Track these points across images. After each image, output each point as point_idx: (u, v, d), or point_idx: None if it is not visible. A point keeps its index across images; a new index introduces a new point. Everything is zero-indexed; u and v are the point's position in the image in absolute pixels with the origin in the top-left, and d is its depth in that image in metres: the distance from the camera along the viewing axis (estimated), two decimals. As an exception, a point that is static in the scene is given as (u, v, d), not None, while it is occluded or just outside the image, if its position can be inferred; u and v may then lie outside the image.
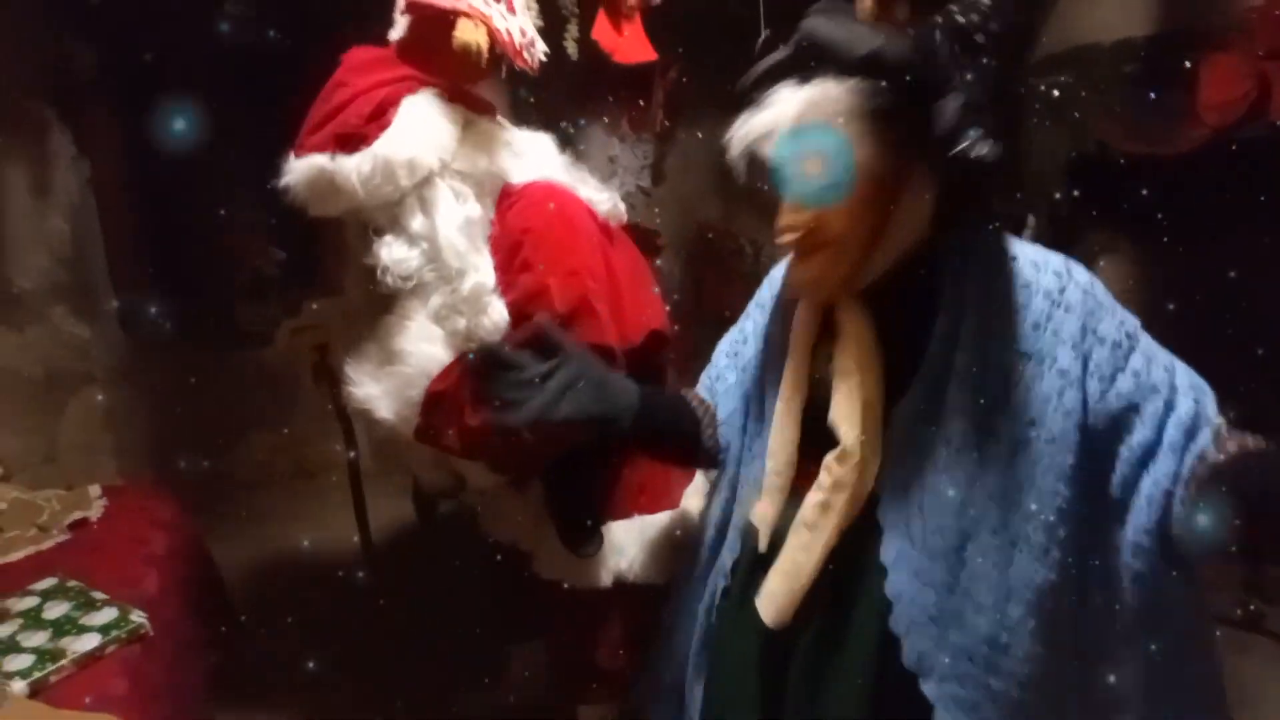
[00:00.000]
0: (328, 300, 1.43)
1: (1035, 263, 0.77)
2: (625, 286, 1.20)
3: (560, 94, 2.12)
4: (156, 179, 2.26)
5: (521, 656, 1.67)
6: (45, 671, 1.02)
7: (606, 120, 2.69)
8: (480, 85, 1.23)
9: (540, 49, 1.22)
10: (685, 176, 2.82)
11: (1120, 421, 0.73)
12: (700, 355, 1.08)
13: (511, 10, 1.17)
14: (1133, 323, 0.76)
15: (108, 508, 1.52)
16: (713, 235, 2.88)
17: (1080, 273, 0.77)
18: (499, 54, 1.15)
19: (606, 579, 1.21)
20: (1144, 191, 1.67)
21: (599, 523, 1.20)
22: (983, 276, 0.77)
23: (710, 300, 2.78)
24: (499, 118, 1.23)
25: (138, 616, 1.13)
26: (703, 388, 1.01)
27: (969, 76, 0.71)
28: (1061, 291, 0.75)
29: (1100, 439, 0.74)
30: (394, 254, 1.08)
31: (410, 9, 1.13)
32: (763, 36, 0.79)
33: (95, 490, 1.59)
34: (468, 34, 1.09)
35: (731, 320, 1.05)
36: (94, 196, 2.22)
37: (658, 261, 2.18)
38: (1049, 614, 0.73)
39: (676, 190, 2.84)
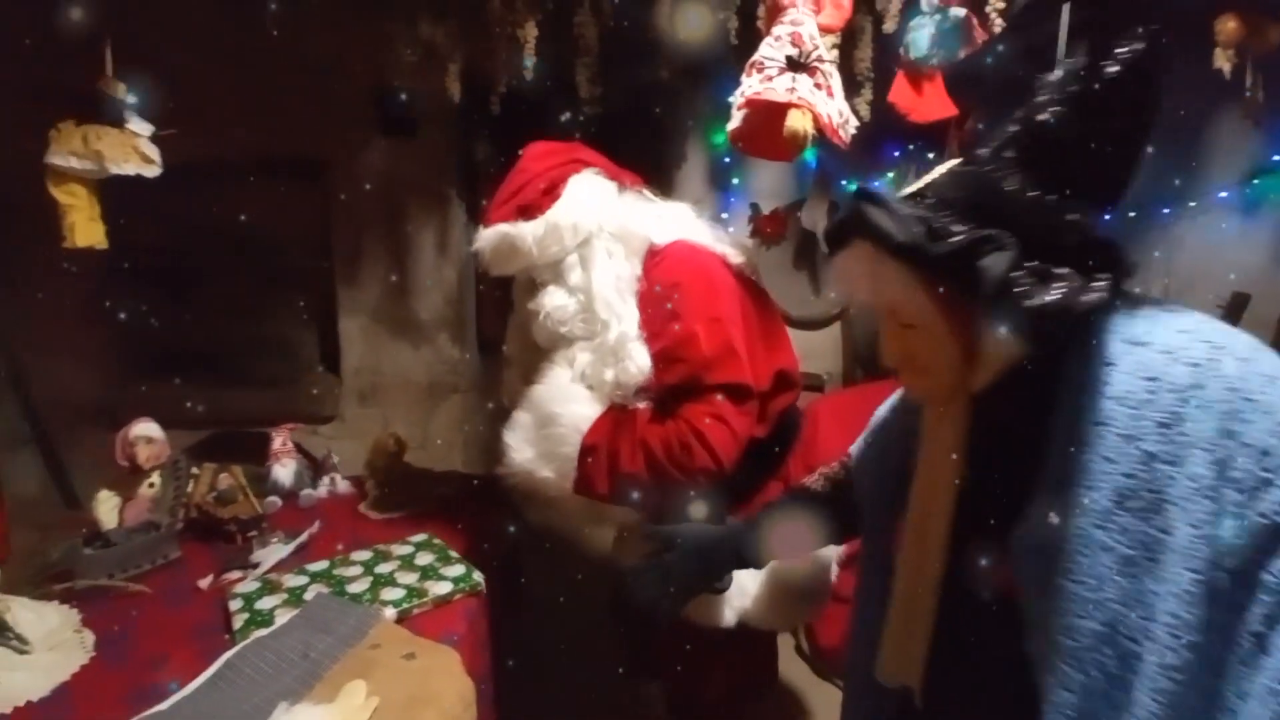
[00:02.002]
0: None
1: (1169, 350, 0.66)
2: (758, 331, 1.25)
3: (852, 153, 2.10)
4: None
5: (645, 695, 1.66)
6: (411, 605, 1.25)
7: (891, 176, 2.59)
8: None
9: (853, 125, 1.30)
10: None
11: (1262, 549, 0.59)
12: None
13: (830, 95, 1.26)
14: None
15: (462, 488, 1.86)
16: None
17: (1230, 365, 0.63)
18: (817, 133, 1.27)
19: (730, 618, 1.24)
20: None
21: None
22: (1100, 371, 0.68)
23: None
24: (644, 190, 1.34)
25: (478, 576, 1.35)
26: (856, 444, 1.04)
27: (1020, 223, 0.68)
28: (1195, 386, 0.63)
29: (1238, 566, 0.60)
30: (555, 301, 1.24)
31: (749, 105, 1.26)
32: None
33: (455, 474, 1.97)
34: (796, 121, 1.24)
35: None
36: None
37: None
38: None
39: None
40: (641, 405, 1.23)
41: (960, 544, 0.77)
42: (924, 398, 0.82)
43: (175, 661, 1.12)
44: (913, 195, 0.76)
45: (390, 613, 1.22)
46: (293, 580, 1.32)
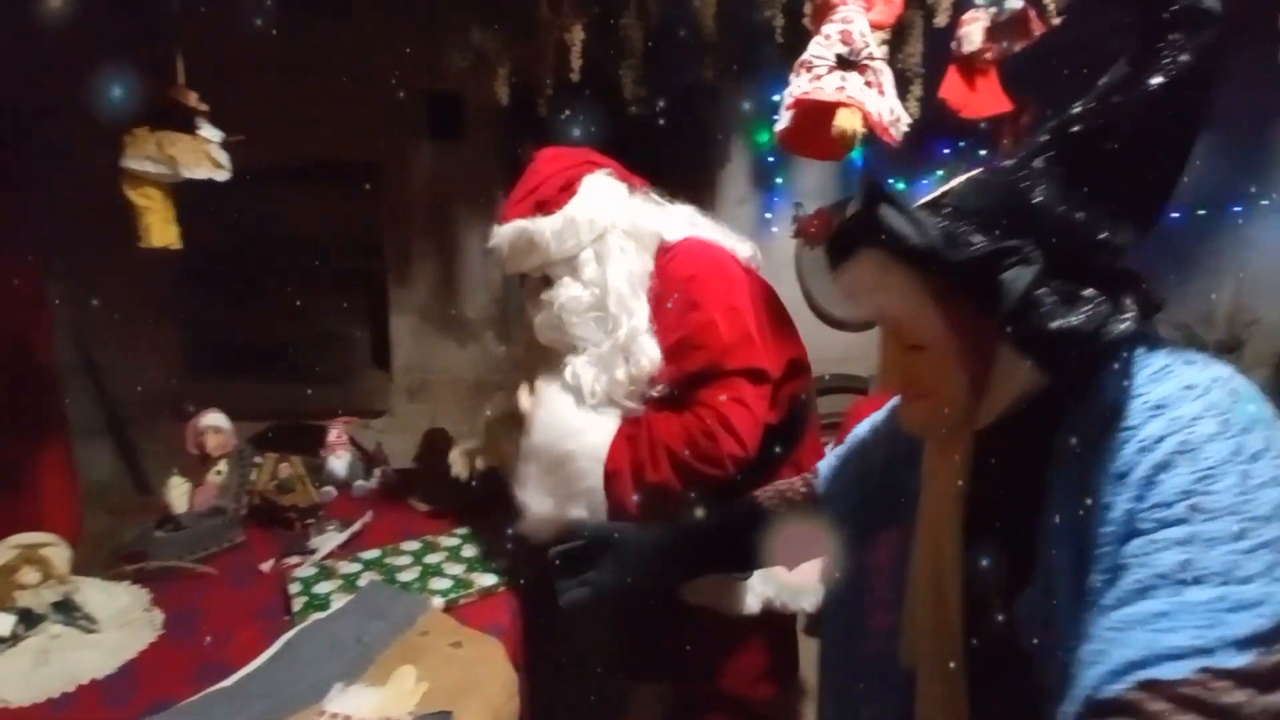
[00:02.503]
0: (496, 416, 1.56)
1: (1160, 405, 0.59)
2: (768, 322, 1.28)
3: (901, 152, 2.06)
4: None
5: (642, 698, 1.63)
6: (458, 595, 1.28)
7: (942, 174, 2.53)
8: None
9: (905, 123, 1.30)
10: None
11: (1107, 585, 0.57)
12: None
13: (881, 92, 1.28)
14: (1226, 503, 0.53)
15: (505, 483, 1.89)
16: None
17: (1209, 426, 0.56)
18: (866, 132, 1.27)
19: (754, 606, 1.26)
20: None
21: None
22: (1096, 420, 0.62)
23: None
24: (651, 193, 1.35)
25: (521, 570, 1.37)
26: (826, 462, 0.99)
27: (1048, 239, 0.61)
28: (1159, 440, 0.57)
29: None
30: (570, 293, 1.26)
31: (797, 104, 1.27)
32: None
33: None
34: (846, 121, 1.24)
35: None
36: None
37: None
38: None
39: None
40: (651, 408, 1.24)
41: (970, 594, 0.71)
42: (924, 428, 0.75)
43: (239, 640, 1.17)
44: (930, 204, 0.70)
45: (438, 602, 1.25)
46: (347, 567, 1.37)
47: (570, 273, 1.27)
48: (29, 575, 1.20)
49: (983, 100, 1.73)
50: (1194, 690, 0.50)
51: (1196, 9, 0.59)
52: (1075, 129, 0.63)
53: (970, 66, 1.69)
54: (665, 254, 1.27)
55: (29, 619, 1.15)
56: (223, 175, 1.48)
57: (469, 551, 1.44)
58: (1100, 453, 0.61)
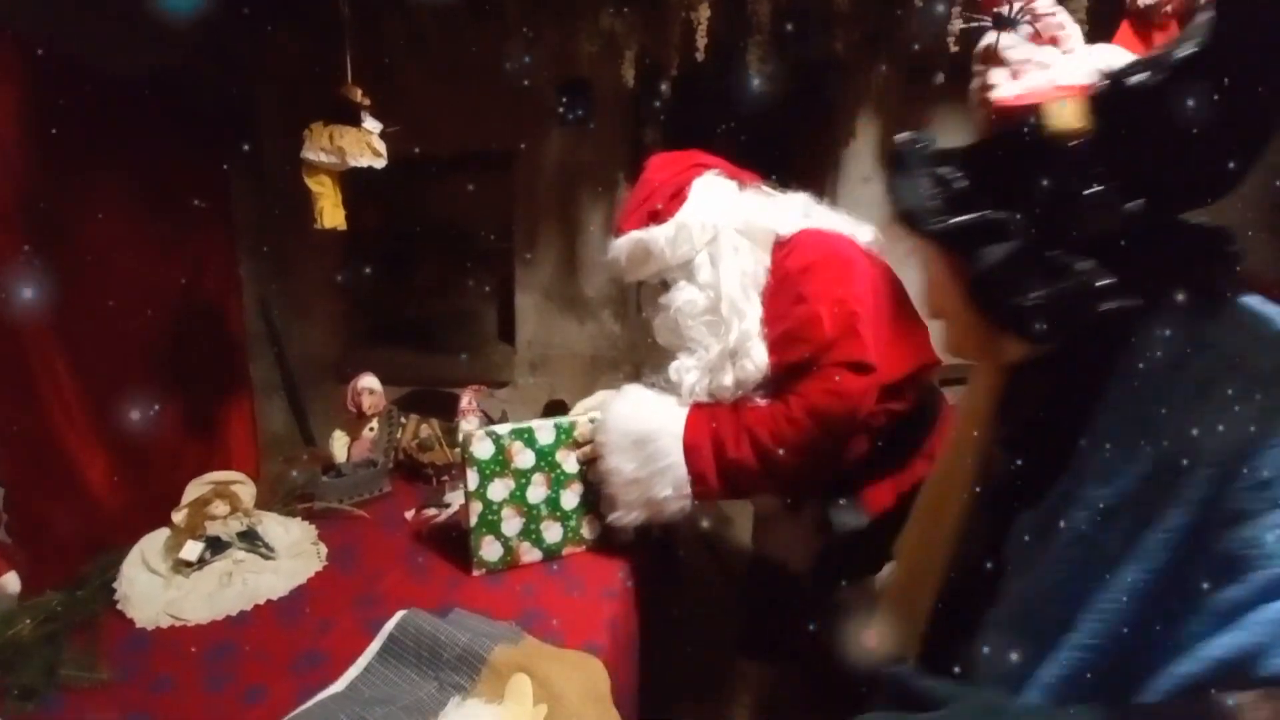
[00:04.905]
0: None
1: (1234, 355, 0.54)
2: (889, 309, 1.24)
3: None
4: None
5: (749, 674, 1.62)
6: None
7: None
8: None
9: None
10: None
11: (1220, 578, 0.50)
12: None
13: (1055, 42, 1.19)
14: None
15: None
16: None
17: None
18: None
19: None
20: None
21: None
22: (1158, 368, 0.57)
23: None
24: (764, 186, 1.35)
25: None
26: None
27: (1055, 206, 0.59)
28: (1275, 370, 0.52)
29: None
30: (687, 295, 1.27)
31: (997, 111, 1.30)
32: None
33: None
34: (1058, 120, 1.22)
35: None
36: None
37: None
38: None
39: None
40: (759, 401, 1.24)
41: (977, 518, 0.73)
42: (952, 350, 0.77)
43: (389, 577, 1.31)
44: (972, 149, 0.68)
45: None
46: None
47: (686, 276, 1.30)
48: (220, 507, 1.37)
49: (1158, 61, 1.54)
50: None
51: None
52: (1129, 82, 0.57)
53: (1147, 21, 1.49)
54: (782, 248, 1.27)
55: (216, 546, 1.31)
56: (380, 163, 1.63)
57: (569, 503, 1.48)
58: (1169, 404, 0.56)
